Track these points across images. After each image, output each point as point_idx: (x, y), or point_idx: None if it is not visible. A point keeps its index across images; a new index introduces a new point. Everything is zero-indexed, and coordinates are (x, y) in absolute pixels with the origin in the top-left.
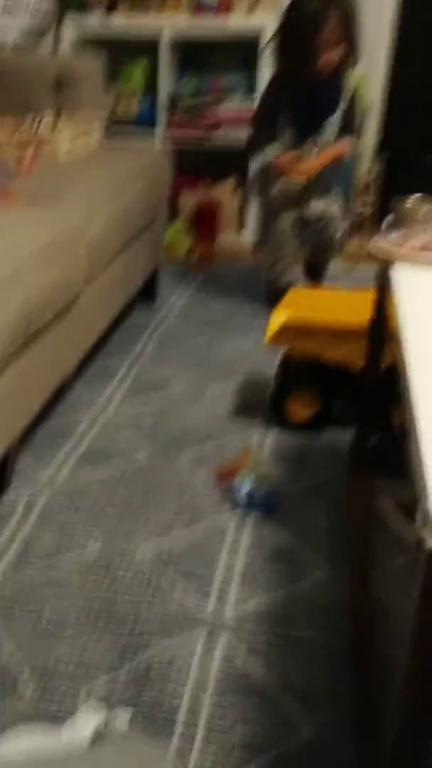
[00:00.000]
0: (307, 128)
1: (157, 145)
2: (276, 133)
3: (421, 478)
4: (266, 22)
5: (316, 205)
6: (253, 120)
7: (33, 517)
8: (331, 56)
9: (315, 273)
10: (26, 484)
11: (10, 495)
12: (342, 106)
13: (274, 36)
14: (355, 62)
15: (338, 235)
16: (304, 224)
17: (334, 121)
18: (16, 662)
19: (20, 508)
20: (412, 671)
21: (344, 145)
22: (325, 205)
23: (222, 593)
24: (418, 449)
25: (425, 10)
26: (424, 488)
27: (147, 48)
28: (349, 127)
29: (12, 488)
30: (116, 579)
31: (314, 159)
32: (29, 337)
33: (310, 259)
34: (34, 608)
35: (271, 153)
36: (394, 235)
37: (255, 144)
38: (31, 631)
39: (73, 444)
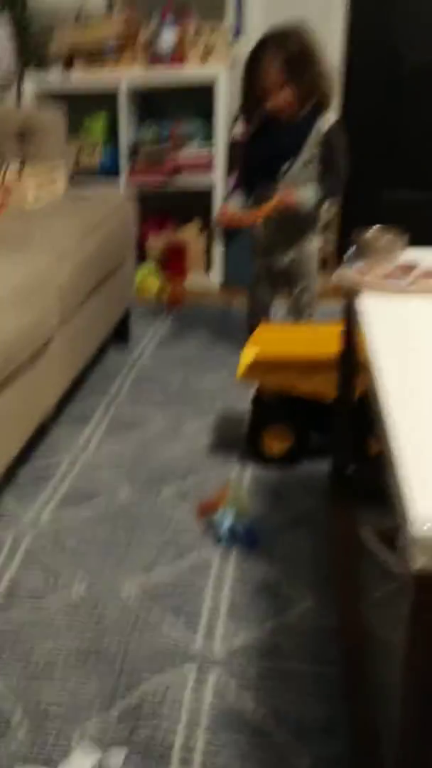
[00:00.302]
0: (265, 174)
1: (121, 191)
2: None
3: (403, 501)
4: (219, 70)
5: (281, 257)
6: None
7: (18, 558)
8: (278, 100)
9: (296, 312)
10: (10, 525)
11: None
12: (306, 151)
13: None
14: (321, 107)
15: (308, 283)
16: (272, 271)
17: (295, 167)
18: (7, 704)
19: (5, 550)
20: (405, 693)
21: (289, 194)
22: (292, 256)
23: (210, 628)
24: (398, 473)
25: (371, 51)
26: (405, 512)
27: (106, 99)
28: (322, 173)
29: None
30: (103, 617)
31: (265, 206)
32: (7, 377)
33: (291, 301)
34: (22, 649)
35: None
36: (357, 266)
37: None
38: (21, 673)
39: (55, 484)
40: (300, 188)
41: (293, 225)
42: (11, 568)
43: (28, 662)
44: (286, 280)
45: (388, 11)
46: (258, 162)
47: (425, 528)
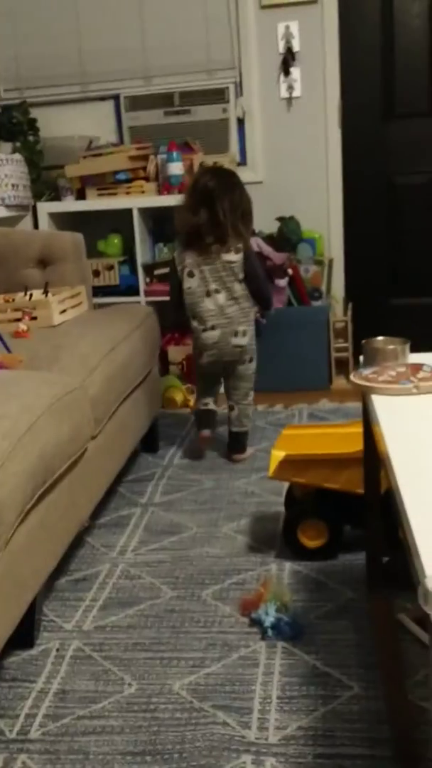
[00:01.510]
0: None
1: (141, 306)
2: None
3: (418, 559)
4: None
5: None
6: None
7: (65, 665)
8: None
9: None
10: (55, 632)
11: (40, 644)
12: None
13: None
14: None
15: None
16: None
17: None
18: None
19: (52, 657)
20: None
21: None
22: None
23: (262, 720)
24: (412, 539)
25: (367, 176)
26: (420, 570)
27: (119, 221)
28: None
29: (41, 637)
30: (156, 717)
31: None
32: (46, 489)
33: None
34: (78, 755)
35: None
36: (368, 371)
37: None
38: None
39: (96, 591)
40: None
41: None
42: (60, 674)
43: (85, 766)
44: None
45: (377, 140)
46: None
47: None
